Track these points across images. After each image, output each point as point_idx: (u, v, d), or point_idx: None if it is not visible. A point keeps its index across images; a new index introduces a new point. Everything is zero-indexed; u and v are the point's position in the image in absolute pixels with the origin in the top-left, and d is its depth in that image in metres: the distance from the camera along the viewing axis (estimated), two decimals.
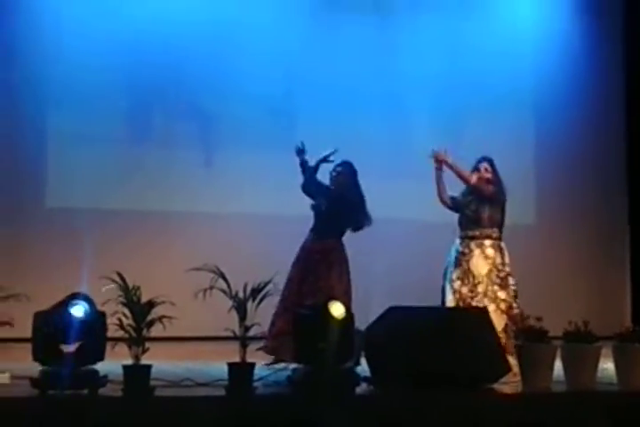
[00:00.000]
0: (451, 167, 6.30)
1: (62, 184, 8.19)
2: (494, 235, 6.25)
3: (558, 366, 5.36)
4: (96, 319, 4.84)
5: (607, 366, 5.58)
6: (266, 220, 8.44)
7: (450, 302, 6.07)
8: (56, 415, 4.41)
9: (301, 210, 6.68)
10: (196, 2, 8.62)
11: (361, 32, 8.93)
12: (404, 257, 8.45)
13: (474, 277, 6.09)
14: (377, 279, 7.90)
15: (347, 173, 6.57)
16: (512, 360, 5.51)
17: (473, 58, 9.12)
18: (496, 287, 6.08)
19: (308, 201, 6.64)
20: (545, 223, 9.24)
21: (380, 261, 8.23)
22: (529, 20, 9.47)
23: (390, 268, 8.39)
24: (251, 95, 8.56)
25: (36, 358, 4.78)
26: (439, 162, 6.34)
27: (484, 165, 6.33)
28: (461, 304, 6.02)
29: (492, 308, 5.96)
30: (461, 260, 6.17)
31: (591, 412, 4.85)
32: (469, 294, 6.06)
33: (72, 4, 8.36)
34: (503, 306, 6.04)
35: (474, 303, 6.00)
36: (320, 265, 6.32)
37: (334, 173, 6.60)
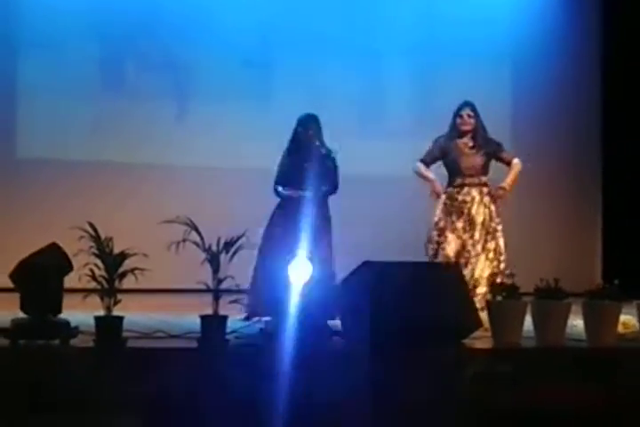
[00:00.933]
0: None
1: (32, 134, 8.07)
2: (488, 182, 6.29)
3: (528, 321, 5.41)
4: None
5: (576, 322, 5.64)
6: (237, 172, 8.38)
7: (453, 249, 6.08)
8: (27, 366, 4.40)
9: (272, 163, 6.63)
10: None
11: None
12: (382, 212, 8.44)
13: (474, 224, 6.13)
14: (357, 236, 7.85)
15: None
16: (483, 316, 5.55)
17: (450, 10, 9.03)
18: (489, 237, 6.13)
19: (278, 154, 6.59)
20: (519, 183, 9.23)
21: (359, 217, 8.18)
22: None
23: (370, 224, 8.36)
24: (225, 45, 8.45)
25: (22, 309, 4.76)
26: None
27: (467, 111, 6.30)
28: (465, 252, 6.05)
29: (482, 257, 6.03)
30: (463, 208, 6.18)
31: (559, 367, 4.90)
32: (470, 241, 6.11)
33: None
34: (491, 255, 6.09)
35: (472, 251, 6.03)
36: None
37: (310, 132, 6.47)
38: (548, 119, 9.31)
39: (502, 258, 6.13)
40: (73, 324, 4.82)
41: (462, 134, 6.28)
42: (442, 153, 6.32)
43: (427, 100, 8.78)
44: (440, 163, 6.40)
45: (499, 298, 5.39)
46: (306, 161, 6.40)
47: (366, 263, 5.27)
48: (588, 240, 9.50)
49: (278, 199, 6.55)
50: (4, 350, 4.60)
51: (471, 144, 6.28)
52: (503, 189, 6.29)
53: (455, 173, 6.27)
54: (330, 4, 8.76)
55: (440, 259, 6.11)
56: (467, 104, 6.31)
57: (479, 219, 6.16)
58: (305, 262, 5.23)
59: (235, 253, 5.07)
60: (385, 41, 8.88)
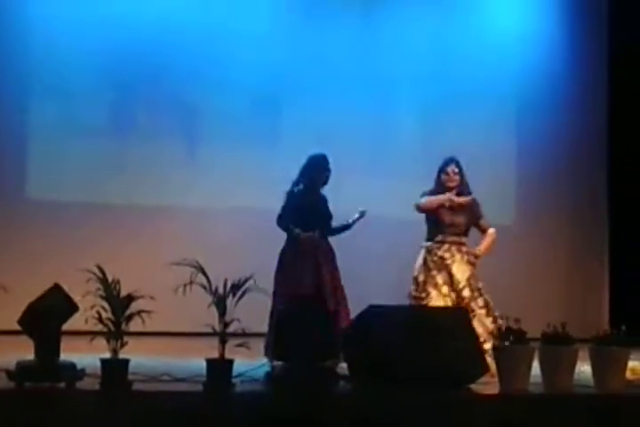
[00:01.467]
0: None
1: (44, 176, 8.14)
2: (466, 242, 6.28)
3: (536, 367, 5.38)
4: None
5: (584, 368, 5.60)
6: (248, 214, 8.41)
7: (438, 304, 6.05)
8: (32, 408, 4.38)
9: (278, 203, 6.66)
10: None
11: (346, 24, 8.94)
12: (384, 253, 8.44)
13: (458, 282, 6.10)
14: (357, 277, 7.84)
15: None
16: (490, 361, 5.52)
17: (457, 52, 9.15)
18: (476, 294, 6.11)
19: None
20: (524, 225, 9.26)
21: (362, 258, 8.19)
22: (514, 14, 9.51)
23: (370, 265, 8.37)
24: (235, 87, 8.55)
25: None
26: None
27: (452, 167, 6.31)
28: None
29: (482, 312, 6.01)
30: (442, 264, 6.16)
31: (568, 414, 4.87)
32: (458, 300, 6.06)
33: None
34: (484, 312, 6.06)
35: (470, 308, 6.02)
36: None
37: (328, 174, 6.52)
38: (553, 163, 9.34)
39: (496, 313, 6.11)
40: (79, 366, 4.81)
41: (447, 190, 6.29)
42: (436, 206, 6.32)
43: (433, 141, 8.83)
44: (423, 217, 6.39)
45: (506, 343, 5.36)
46: (319, 202, 6.43)
47: (372, 307, 5.27)
48: (595, 285, 9.47)
49: (284, 240, 6.56)
50: (10, 392, 4.59)
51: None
52: (476, 256, 6.25)
53: (437, 230, 6.24)
54: (338, 44, 8.86)
55: None
56: (452, 160, 6.31)
57: (464, 276, 6.14)
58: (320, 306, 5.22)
59: (242, 296, 5.07)
60: (392, 81, 8.99)
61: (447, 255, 6.16)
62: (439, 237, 6.22)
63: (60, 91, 8.19)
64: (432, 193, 6.30)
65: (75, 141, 8.16)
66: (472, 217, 6.31)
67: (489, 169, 8.29)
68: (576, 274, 9.36)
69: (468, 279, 6.12)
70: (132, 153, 8.34)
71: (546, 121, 9.36)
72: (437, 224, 6.25)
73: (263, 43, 8.66)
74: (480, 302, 6.09)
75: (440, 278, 6.12)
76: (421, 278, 6.15)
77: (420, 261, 6.22)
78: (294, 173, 6.71)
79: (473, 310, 6.00)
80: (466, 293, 6.08)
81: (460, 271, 6.13)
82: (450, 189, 6.27)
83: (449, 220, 6.23)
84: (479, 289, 6.14)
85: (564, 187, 9.39)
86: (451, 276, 6.11)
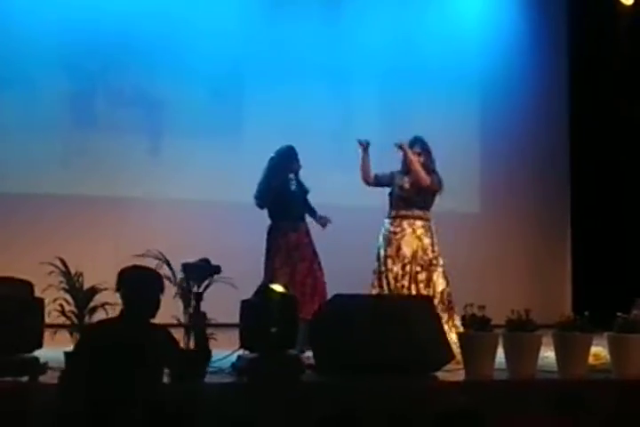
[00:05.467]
0: (411, 162, 6.33)
1: (3, 169, 7.99)
2: (425, 216, 6.34)
3: (501, 353, 5.42)
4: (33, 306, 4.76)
5: (547, 354, 5.65)
6: (210, 206, 8.36)
7: (389, 280, 6.13)
8: None
9: (244, 197, 6.65)
10: None
11: (307, 14, 8.84)
12: (352, 243, 8.43)
13: (404, 256, 6.19)
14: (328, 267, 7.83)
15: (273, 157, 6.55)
16: (455, 348, 5.56)
17: (421, 41, 9.08)
18: (418, 268, 6.18)
19: (251, 186, 6.62)
20: (489, 212, 9.30)
21: (331, 248, 8.16)
22: (477, 4, 9.50)
23: (341, 255, 8.35)
24: (196, 78, 8.43)
25: None
26: (402, 151, 6.35)
27: (415, 148, 6.38)
28: (393, 283, 6.10)
29: (413, 289, 6.09)
30: (392, 238, 6.25)
31: (532, 400, 4.91)
32: (400, 272, 6.15)
33: None
34: (421, 286, 6.14)
35: (404, 283, 6.09)
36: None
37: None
38: (517, 150, 9.36)
39: (435, 291, 6.16)
40: (42, 360, 4.77)
41: (409, 170, 6.37)
42: (388, 181, 6.40)
43: (397, 130, 8.82)
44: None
45: (470, 330, 5.40)
46: (304, 193, 6.52)
47: (337, 296, 5.28)
48: (557, 272, 9.53)
49: (248, 231, 6.58)
50: None
51: (411, 180, 6.34)
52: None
53: (391, 205, 6.39)
54: (300, 36, 8.79)
55: (376, 290, 6.15)
56: (415, 140, 6.40)
57: (408, 251, 6.20)
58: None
59: (207, 287, 5.06)
60: (356, 71, 8.93)
61: (398, 230, 6.24)
62: (392, 213, 6.31)
63: (17, 81, 8.03)
64: (399, 172, 6.39)
65: (34, 133, 8.04)
66: (419, 186, 6.35)
67: (453, 156, 8.27)
68: (540, 261, 9.42)
69: (414, 254, 6.18)
70: (93, 145, 8.22)
71: (509, 107, 9.36)
72: (390, 199, 6.40)
73: (225, 34, 8.55)
74: (421, 276, 6.17)
75: (388, 252, 6.22)
76: (381, 253, 6.24)
77: (379, 237, 6.32)
78: (258, 165, 6.71)
79: (404, 286, 6.09)
80: (408, 268, 6.17)
81: (409, 245, 6.19)
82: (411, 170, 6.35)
83: (398, 195, 6.36)
84: (429, 265, 6.19)
85: (528, 174, 9.41)
86: (398, 250, 6.16)
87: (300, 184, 6.55)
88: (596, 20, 9.21)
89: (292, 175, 6.48)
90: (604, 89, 9.23)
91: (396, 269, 6.17)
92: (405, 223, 6.28)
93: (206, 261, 5.14)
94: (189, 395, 4.40)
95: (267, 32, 8.68)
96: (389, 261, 6.21)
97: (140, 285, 4.13)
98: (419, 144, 6.41)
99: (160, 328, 4.27)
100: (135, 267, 4.24)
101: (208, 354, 4.61)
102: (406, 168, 6.41)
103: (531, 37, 9.53)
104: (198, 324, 4.65)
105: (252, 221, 6.83)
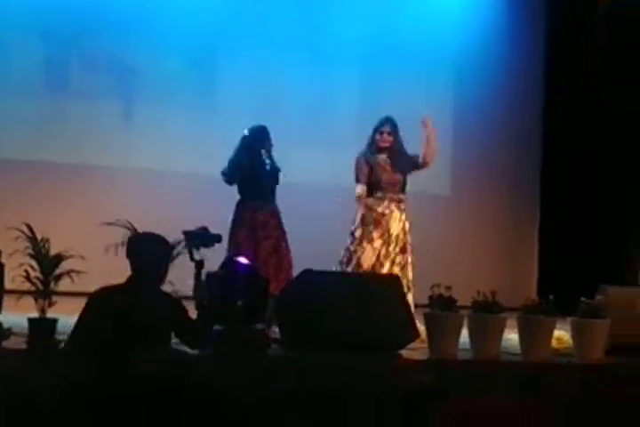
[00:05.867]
0: (428, 138, 6.31)
1: None
2: (406, 199, 6.38)
3: (465, 334, 5.46)
4: None
5: (511, 336, 5.69)
6: (180, 176, 8.32)
7: (369, 259, 6.14)
8: None
9: (215, 169, 6.61)
10: None
11: None
12: (323, 220, 8.42)
13: (389, 237, 6.22)
14: (296, 243, 7.81)
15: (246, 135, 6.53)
16: (420, 327, 5.58)
17: (399, 21, 9.09)
18: (397, 249, 6.21)
19: (222, 159, 6.59)
20: (459, 194, 9.34)
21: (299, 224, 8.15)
22: None
23: (310, 231, 8.35)
24: (170, 46, 8.39)
25: None
26: (425, 126, 6.35)
27: (386, 127, 6.38)
28: (378, 264, 6.13)
29: (390, 270, 6.13)
30: (381, 220, 6.25)
31: (494, 381, 4.95)
32: (383, 252, 6.19)
33: None
34: (397, 270, 6.19)
35: (386, 263, 6.11)
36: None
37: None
38: (489, 133, 9.40)
39: (410, 275, 6.21)
40: (6, 325, 4.72)
41: (380, 150, 6.37)
42: (369, 168, 6.38)
43: (372, 109, 8.81)
44: None
45: (436, 310, 5.42)
46: (276, 172, 6.49)
47: (306, 272, 5.27)
48: (524, 256, 9.62)
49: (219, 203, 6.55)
50: None
51: (389, 162, 6.36)
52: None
53: (376, 188, 6.38)
54: (279, 8, 8.74)
55: (352, 268, 6.18)
56: (387, 120, 6.41)
57: (394, 233, 6.25)
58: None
59: (174, 257, 5.02)
60: (332, 47, 8.92)
61: (387, 211, 6.27)
62: (378, 194, 6.32)
63: None
64: (367, 153, 6.35)
65: (7, 99, 7.94)
66: (406, 171, 6.38)
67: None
68: (508, 244, 9.49)
69: (397, 236, 6.26)
70: (67, 111, 8.15)
71: (484, 90, 9.40)
72: (375, 182, 6.38)
73: (201, 3, 8.50)
74: (400, 259, 6.25)
75: (376, 233, 6.22)
76: (358, 233, 6.26)
77: (358, 215, 6.31)
78: (230, 136, 6.67)
79: (383, 266, 6.12)
80: (391, 249, 6.21)
81: (394, 228, 6.22)
82: (382, 149, 6.36)
83: (385, 178, 6.34)
84: (406, 247, 6.26)
85: (500, 157, 9.47)
86: (386, 231, 6.17)
87: (272, 163, 6.52)
88: (574, 4, 9.23)
89: (264, 153, 6.44)
90: (579, 74, 9.28)
91: (384, 250, 6.20)
92: (393, 205, 6.31)
93: (205, 229, 5.11)
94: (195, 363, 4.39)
95: (244, 3, 8.61)
96: (379, 242, 6.20)
97: (148, 251, 4.11)
98: (390, 124, 6.40)
99: (168, 295, 4.24)
100: (144, 233, 4.21)
101: (211, 322, 4.61)
102: (377, 149, 6.37)
103: (508, 21, 9.55)
104: (201, 293, 4.65)
105: (220, 195, 6.80)
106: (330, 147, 8.61)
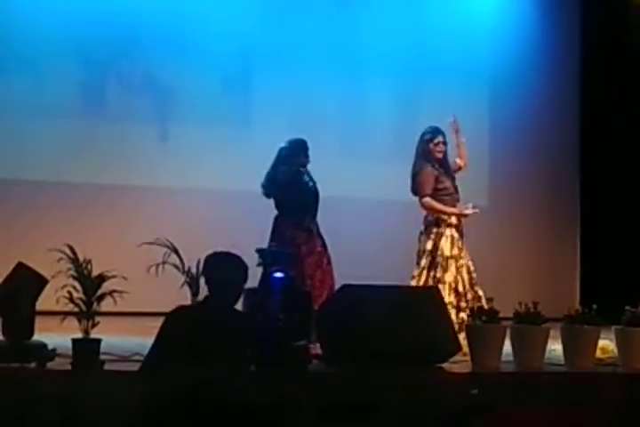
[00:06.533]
0: (459, 144, 6.39)
1: (13, 156, 8.00)
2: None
3: (507, 346, 5.42)
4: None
5: (555, 347, 5.64)
6: (219, 195, 8.37)
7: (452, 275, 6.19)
8: (2, 389, 4.35)
9: (253, 186, 6.65)
10: None
11: (321, 7, 8.86)
12: (362, 235, 8.43)
13: (443, 256, 6.27)
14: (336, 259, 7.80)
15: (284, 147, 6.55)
16: (462, 340, 5.55)
17: (432, 36, 9.09)
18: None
19: (259, 176, 6.62)
20: (497, 205, 9.28)
21: (340, 240, 8.14)
22: (491, 1, 9.47)
23: (349, 247, 8.33)
24: (207, 69, 8.46)
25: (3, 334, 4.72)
26: (455, 131, 6.43)
27: (442, 138, 6.39)
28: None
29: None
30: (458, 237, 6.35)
31: (538, 392, 4.91)
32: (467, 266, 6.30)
33: None
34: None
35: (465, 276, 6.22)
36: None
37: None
38: (526, 144, 9.35)
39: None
40: (50, 346, 4.78)
41: (437, 160, 6.37)
42: (434, 179, 6.39)
43: (407, 123, 8.81)
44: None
45: (478, 322, 5.39)
46: (315, 187, 6.56)
47: (346, 286, 5.27)
48: (566, 264, 9.53)
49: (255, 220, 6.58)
50: None
51: (443, 171, 6.39)
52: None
53: (438, 197, 6.36)
54: (312, 27, 8.78)
55: (432, 281, 6.21)
56: (439, 130, 6.41)
57: (448, 252, 6.27)
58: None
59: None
60: (367, 63, 8.93)
61: (454, 221, 6.27)
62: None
63: (28, 68, 8.03)
64: (426, 164, 6.34)
65: (44, 121, 8.03)
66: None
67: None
68: (549, 254, 9.41)
69: (451, 253, 6.23)
70: (104, 133, 8.23)
71: (520, 101, 9.36)
72: (441, 191, 6.38)
73: (235, 22, 8.56)
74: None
75: (455, 250, 6.24)
76: (436, 251, 6.26)
77: (441, 234, 6.30)
78: (267, 155, 6.70)
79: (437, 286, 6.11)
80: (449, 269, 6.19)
81: (447, 248, 6.21)
82: (438, 160, 6.33)
83: (446, 187, 6.39)
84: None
85: (538, 168, 9.40)
86: (437, 249, 6.20)
87: (311, 179, 6.53)
88: (608, 16, 9.18)
89: (302, 169, 6.46)
90: (616, 86, 9.21)
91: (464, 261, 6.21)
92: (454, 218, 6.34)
93: (278, 246, 5.12)
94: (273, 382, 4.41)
95: (278, 22, 8.68)
96: (453, 259, 6.20)
97: (225, 270, 4.14)
98: (442, 134, 6.44)
99: (244, 314, 4.26)
100: (221, 253, 4.24)
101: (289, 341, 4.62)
102: (433, 159, 6.37)
103: (542, 34, 9.52)
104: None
105: (261, 211, 6.83)
106: (365, 160, 8.63)
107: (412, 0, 9.14)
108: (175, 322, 4.15)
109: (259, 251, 5.08)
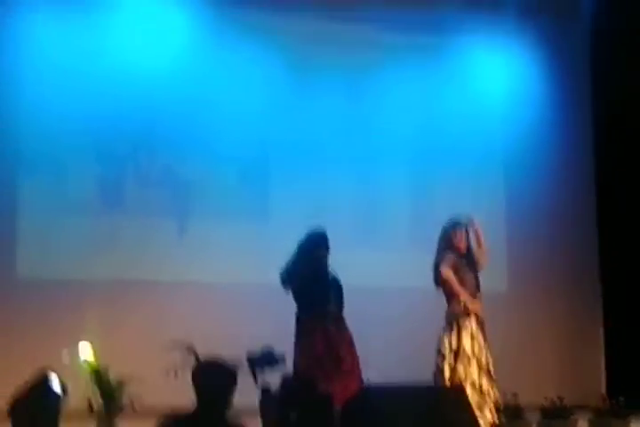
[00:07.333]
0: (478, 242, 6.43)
1: (34, 254, 7.99)
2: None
3: None
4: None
5: None
6: (237, 289, 8.27)
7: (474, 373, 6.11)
8: None
9: (272, 279, 6.62)
10: (166, 65, 8.47)
11: (335, 97, 8.94)
12: (390, 327, 8.33)
13: (464, 351, 6.20)
14: (372, 352, 7.65)
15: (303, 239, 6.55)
16: None
17: (446, 121, 9.13)
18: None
19: (277, 268, 6.60)
20: (517, 291, 9.15)
21: (370, 332, 8.03)
22: (501, 83, 9.53)
23: (383, 340, 8.22)
24: (224, 161, 8.51)
25: None
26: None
27: (463, 229, 6.38)
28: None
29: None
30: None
31: None
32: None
33: (45, 66, 8.29)
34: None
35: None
36: None
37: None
38: (544, 233, 9.26)
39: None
40: None
41: (458, 251, 6.35)
42: (455, 272, 6.35)
43: (423, 210, 8.82)
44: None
45: (504, 420, 5.29)
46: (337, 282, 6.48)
47: (367, 388, 5.18)
48: (590, 353, 9.28)
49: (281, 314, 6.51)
50: None
51: (465, 262, 6.35)
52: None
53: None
54: (327, 115, 8.84)
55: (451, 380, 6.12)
56: (461, 224, 6.42)
57: (468, 347, 6.22)
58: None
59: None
60: (381, 151, 8.95)
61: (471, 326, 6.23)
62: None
63: (47, 165, 8.08)
64: (444, 255, 6.32)
65: (64, 217, 8.05)
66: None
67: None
68: (570, 338, 9.22)
69: (472, 350, 6.14)
70: (123, 228, 8.18)
71: (534, 183, 9.34)
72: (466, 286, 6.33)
73: (251, 116, 8.61)
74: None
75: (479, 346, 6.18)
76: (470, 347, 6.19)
77: (469, 325, 6.26)
78: (284, 246, 6.69)
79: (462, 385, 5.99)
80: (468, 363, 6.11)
81: (468, 344, 6.14)
82: (460, 252, 6.31)
83: (470, 279, 6.36)
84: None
85: (556, 252, 9.30)
86: (460, 346, 6.13)
87: (332, 273, 6.50)
88: (621, 94, 9.21)
89: (323, 261, 6.44)
90: (631, 160, 9.18)
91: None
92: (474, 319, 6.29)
93: (269, 349, 5.05)
94: None
95: (292, 115, 8.75)
96: (474, 357, 6.13)
97: (213, 382, 4.08)
98: (464, 225, 6.44)
99: (235, 424, 4.20)
100: (208, 363, 4.18)
101: None
102: (455, 250, 6.36)
103: (553, 114, 9.55)
104: (270, 417, 4.58)
105: (280, 304, 6.77)
106: (383, 250, 8.61)
107: (424, 86, 9.21)
108: None
109: (249, 360, 4.95)
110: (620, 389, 5.72)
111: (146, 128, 8.42)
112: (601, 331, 9.35)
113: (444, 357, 6.10)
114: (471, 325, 6.15)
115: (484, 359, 6.10)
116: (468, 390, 5.87)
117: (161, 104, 8.48)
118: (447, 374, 6.03)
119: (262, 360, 4.93)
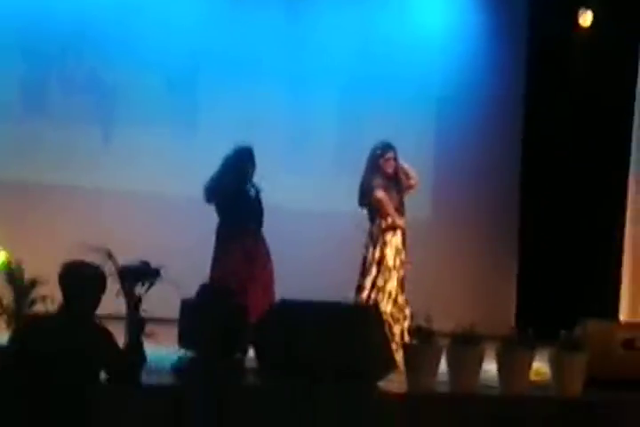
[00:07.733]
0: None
1: None
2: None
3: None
4: None
5: (490, 367, 5.65)
6: (160, 198, 8.25)
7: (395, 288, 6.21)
8: None
9: (197, 190, 6.56)
10: None
11: (270, 16, 8.79)
12: (305, 247, 8.38)
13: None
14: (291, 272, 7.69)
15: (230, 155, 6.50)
16: (399, 358, 5.54)
17: (382, 50, 9.08)
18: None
19: (202, 181, 6.54)
20: (440, 218, 9.32)
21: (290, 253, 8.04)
22: (439, 15, 9.48)
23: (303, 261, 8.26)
24: (151, 68, 8.36)
25: None
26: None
27: (391, 153, 6.37)
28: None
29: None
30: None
31: (472, 414, 4.92)
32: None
33: None
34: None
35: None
36: None
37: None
38: (469, 165, 9.38)
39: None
40: None
41: (387, 176, 6.37)
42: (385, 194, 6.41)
43: (352, 136, 8.80)
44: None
45: (414, 342, 5.37)
46: (256, 195, 6.50)
47: (283, 302, 5.23)
48: (503, 283, 9.55)
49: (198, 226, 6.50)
50: None
51: (392, 184, 6.42)
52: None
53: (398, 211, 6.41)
54: (262, 32, 8.72)
55: (375, 295, 6.25)
56: (390, 147, 6.41)
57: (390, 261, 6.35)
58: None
59: (150, 286, 4.94)
60: (314, 74, 8.90)
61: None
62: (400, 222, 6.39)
63: None
64: (372, 179, 6.34)
65: None
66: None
67: (408, 160, 8.28)
68: (486, 269, 9.45)
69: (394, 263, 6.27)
70: (46, 133, 8.07)
71: (465, 119, 9.40)
72: (394, 205, 6.43)
73: (183, 26, 8.48)
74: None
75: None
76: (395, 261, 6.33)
77: (393, 243, 6.39)
78: (211, 158, 6.64)
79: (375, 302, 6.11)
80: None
81: (391, 258, 6.24)
82: (387, 175, 6.30)
83: (396, 203, 6.45)
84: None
85: (475, 186, 9.43)
86: (383, 258, 6.24)
87: (256, 189, 6.49)
88: (555, 38, 9.26)
89: (248, 177, 6.41)
90: (559, 105, 9.31)
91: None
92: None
93: (146, 263, 4.99)
94: (122, 396, 4.32)
95: (225, 28, 8.62)
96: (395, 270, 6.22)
97: (82, 281, 4.05)
98: (393, 149, 6.44)
99: (100, 327, 4.19)
100: (78, 263, 4.15)
101: (142, 359, 4.53)
102: (384, 174, 6.36)
103: (490, 51, 9.56)
104: (134, 329, 4.56)
105: (202, 216, 6.75)
106: (308, 172, 8.60)
107: (362, 13, 9.09)
108: (27, 332, 4.08)
109: (120, 271, 4.90)
110: (530, 321, 5.82)
111: (75, 30, 8.21)
112: (515, 265, 9.60)
113: (366, 271, 6.19)
114: (397, 240, 6.25)
115: (402, 275, 6.22)
116: (385, 301, 5.99)
117: (93, 7, 8.25)
118: (368, 286, 6.14)
119: (136, 273, 4.87)
